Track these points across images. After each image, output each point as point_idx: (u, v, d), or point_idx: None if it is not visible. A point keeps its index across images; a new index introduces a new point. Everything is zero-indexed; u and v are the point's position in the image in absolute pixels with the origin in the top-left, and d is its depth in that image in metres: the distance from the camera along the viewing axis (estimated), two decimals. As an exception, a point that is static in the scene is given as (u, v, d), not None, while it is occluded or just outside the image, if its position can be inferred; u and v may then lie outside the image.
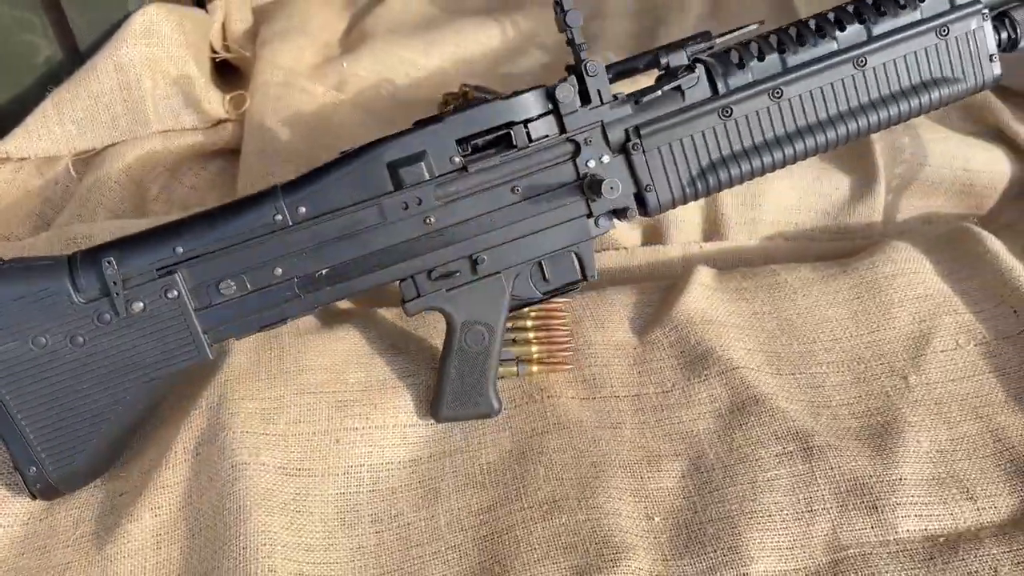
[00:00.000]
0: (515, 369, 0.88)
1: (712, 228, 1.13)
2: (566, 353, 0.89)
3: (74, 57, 1.16)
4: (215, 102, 1.18)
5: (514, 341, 0.89)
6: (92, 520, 0.77)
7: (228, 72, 1.34)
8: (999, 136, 1.18)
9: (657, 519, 0.77)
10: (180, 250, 0.76)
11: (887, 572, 0.72)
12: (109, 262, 0.74)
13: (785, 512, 0.75)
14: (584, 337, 0.92)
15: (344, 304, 0.98)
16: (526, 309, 0.89)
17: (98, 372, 0.75)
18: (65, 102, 1.11)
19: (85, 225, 1.03)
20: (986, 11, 0.84)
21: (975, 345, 0.89)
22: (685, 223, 1.11)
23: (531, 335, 0.90)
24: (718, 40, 0.84)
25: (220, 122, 1.20)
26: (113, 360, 0.75)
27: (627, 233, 1.12)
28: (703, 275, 0.98)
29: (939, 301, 0.93)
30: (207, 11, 1.32)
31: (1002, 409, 0.83)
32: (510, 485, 0.79)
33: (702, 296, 0.95)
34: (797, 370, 0.89)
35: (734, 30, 0.85)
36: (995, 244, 0.97)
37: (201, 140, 1.17)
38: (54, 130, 1.12)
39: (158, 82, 1.13)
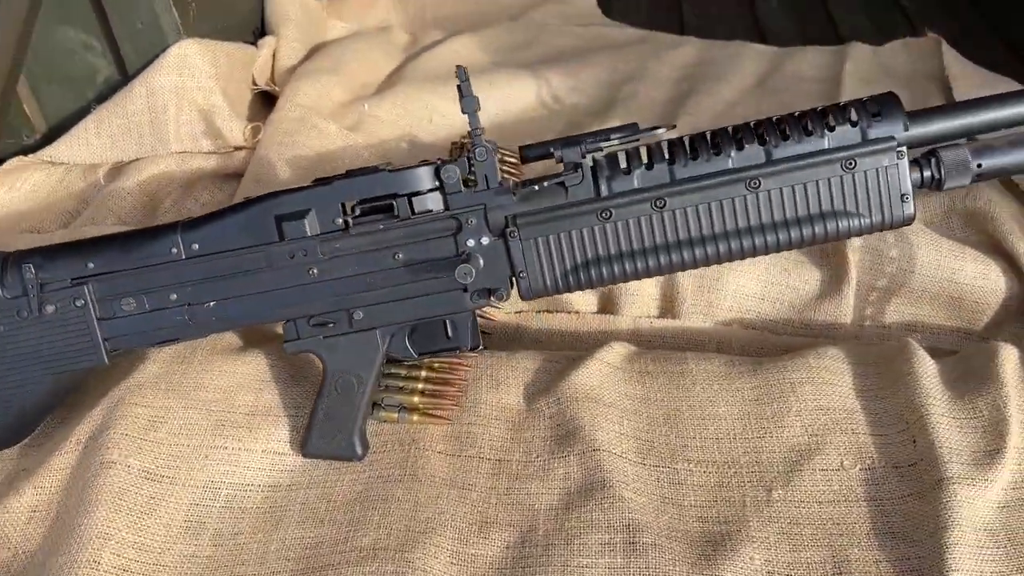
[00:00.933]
0: (395, 415, 0.92)
1: (667, 305, 1.12)
2: (451, 408, 0.93)
3: (126, 78, 1.33)
4: (235, 130, 1.30)
5: (400, 388, 0.94)
6: (-8, 487, 0.89)
7: (271, 103, 1.47)
8: (997, 249, 1.10)
9: (465, 584, 0.79)
10: (91, 266, 0.87)
11: None
12: (29, 267, 0.86)
13: (585, 603, 0.76)
14: (476, 394, 0.95)
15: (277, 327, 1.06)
16: (427, 360, 0.94)
17: (12, 358, 0.87)
18: (104, 118, 1.27)
19: (94, 228, 1.18)
20: (902, 149, 0.80)
21: (860, 469, 0.85)
22: (639, 296, 1.12)
23: (420, 386, 0.94)
24: (642, 136, 0.85)
25: (239, 148, 1.32)
26: (25, 350, 0.87)
27: (582, 298, 1.13)
28: (611, 352, 0.99)
29: (839, 417, 0.89)
30: (256, 46, 1.46)
31: (859, 542, 0.79)
32: (343, 526, 0.84)
33: (598, 373, 0.95)
34: (663, 463, 0.88)
35: (652, 128, 0.85)
36: (924, 366, 0.91)
37: (216, 164, 1.30)
38: (92, 142, 1.28)
39: (183, 108, 1.27)
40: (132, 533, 0.82)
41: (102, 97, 1.33)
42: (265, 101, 1.45)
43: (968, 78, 1.40)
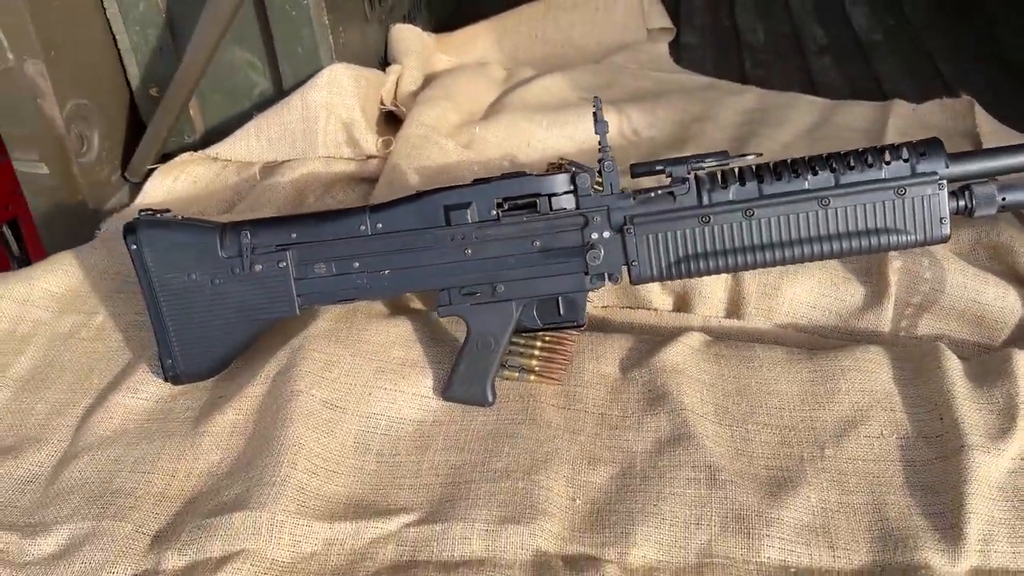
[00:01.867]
0: (517, 374, 1.14)
1: (733, 307, 1.33)
2: (560, 372, 1.15)
3: (279, 93, 1.58)
4: (370, 142, 1.54)
5: (521, 354, 1.16)
6: (196, 408, 1.12)
7: (394, 120, 1.71)
8: (1016, 276, 1.30)
9: (579, 502, 1.00)
10: (294, 236, 1.10)
11: (740, 582, 0.91)
12: (246, 234, 1.09)
13: (676, 519, 0.96)
14: (580, 363, 1.17)
15: (413, 302, 1.28)
16: (540, 332, 1.16)
17: (223, 306, 1.10)
18: (264, 124, 1.52)
19: (251, 213, 1.42)
20: (943, 182, 1.02)
21: (896, 438, 1.05)
22: (710, 299, 1.32)
23: (536, 352, 1.16)
24: (732, 160, 1.08)
25: (371, 157, 1.56)
26: (235, 300, 1.10)
27: (660, 298, 1.35)
28: (692, 338, 1.20)
29: (880, 397, 1.10)
30: (385, 72, 1.71)
31: (894, 491, 0.99)
32: (480, 453, 1.05)
33: (682, 352, 1.17)
34: (736, 424, 1.09)
35: (742, 155, 1.08)
36: (951, 363, 1.12)
37: (354, 168, 1.54)
38: (252, 143, 1.53)
39: (331, 120, 1.51)
40: (318, 446, 1.04)
41: (257, 107, 1.58)
42: (390, 119, 1.69)
43: (997, 135, 1.61)
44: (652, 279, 1.08)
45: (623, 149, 1.71)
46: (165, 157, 1.58)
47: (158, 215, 1.11)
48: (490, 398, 1.10)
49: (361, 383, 1.11)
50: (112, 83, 1.55)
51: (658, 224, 1.06)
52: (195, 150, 1.57)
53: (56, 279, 1.30)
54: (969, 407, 1.06)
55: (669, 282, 1.32)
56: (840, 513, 0.98)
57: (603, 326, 1.34)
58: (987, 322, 1.28)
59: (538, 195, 1.06)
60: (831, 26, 2.27)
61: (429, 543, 0.95)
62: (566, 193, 1.07)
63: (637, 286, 1.30)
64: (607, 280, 1.09)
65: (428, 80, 1.79)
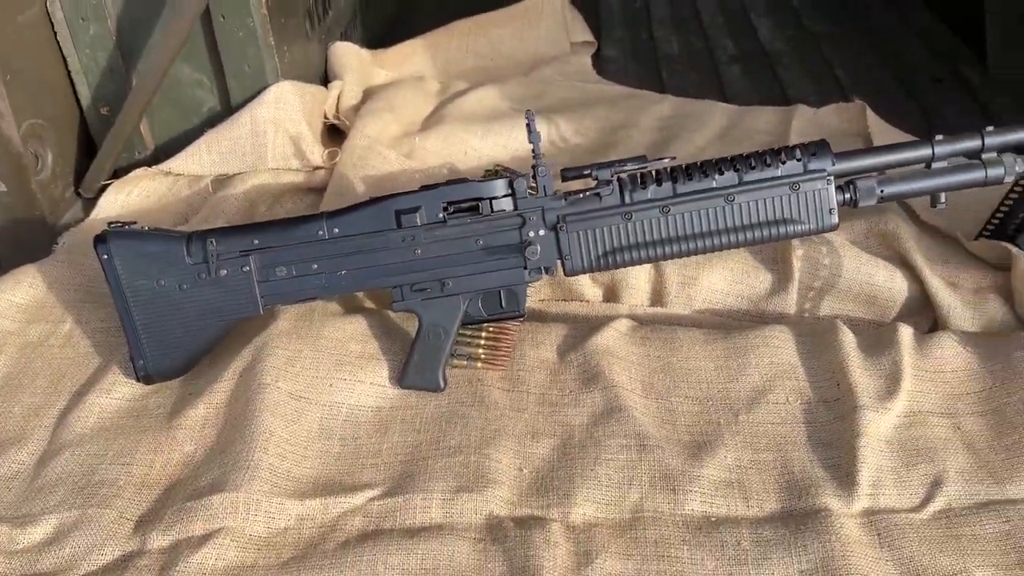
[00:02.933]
0: (466, 362, 1.26)
1: (656, 296, 1.47)
2: (505, 359, 1.27)
3: (227, 109, 1.66)
4: (316, 154, 1.64)
5: (468, 344, 1.27)
6: (169, 405, 1.20)
7: (336, 133, 1.81)
8: (902, 261, 1.47)
9: (525, 471, 1.12)
10: (256, 242, 1.19)
11: (668, 530, 1.04)
12: (211, 241, 1.18)
13: (611, 481, 1.09)
14: (521, 350, 1.29)
15: (366, 302, 1.39)
16: (485, 324, 1.28)
17: (191, 309, 1.19)
18: (214, 140, 1.60)
19: (207, 225, 1.50)
20: (831, 177, 1.17)
21: (800, 403, 1.20)
22: (636, 289, 1.46)
23: (482, 342, 1.28)
24: (650, 164, 1.21)
25: (318, 168, 1.66)
26: (201, 303, 1.19)
27: (590, 290, 1.48)
28: (620, 324, 1.33)
29: (785, 369, 1.25)
30: (327, 88, 1.81)
31: (798, 448, 1.14)
32: (434, 433, 1.16)
33: (612, 336, 1.30)
34: (661, 397, 1.22)
35: (659, 159, 1.21)
36: (847, 337, 1.28)
37: (302, 179, 1.64)
38: (203, 158, 1.61)
39: (278, 134, 1.60)
40: (286, 432, 1.14)
41: (206, 123, 1.66)
42: (332, 132, 1.79)
43: (885, 135, 1.80)
44: (584, 271, 1.21)
45: (553, 155, 1.84)
46: (117, 173, 1.65)
47: (126, 226, 1.19)
48: (442, 384, 1.22)
49: (322, 375, 1.21)
50: (64, 103, 1.61)
51: (587, 222, 1.18)
52: (146, 165, 1.64)
53: (21, 292, 1.36)
54: (861, 374, 1.21)
55: (598, 275, 1.46)
56: (752, 469, 1.12)
57: (541, 317, 1.47)
58: (879, 302, 1.44)
59: (480, 199, 1.18)
60: (739, 38, 2.46)
61: (393, 513, 1.06)
62: (505, 196, 1.19)
63: (570, 280, 1.44)
64: (544, 273, 1.21)
65: (367, 94, 1.89)
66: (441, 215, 1.19)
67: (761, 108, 2.01)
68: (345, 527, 1.05)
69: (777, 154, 1.17)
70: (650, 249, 1.19)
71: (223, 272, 1.18)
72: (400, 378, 1.22)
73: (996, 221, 1.44)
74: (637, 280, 1.45)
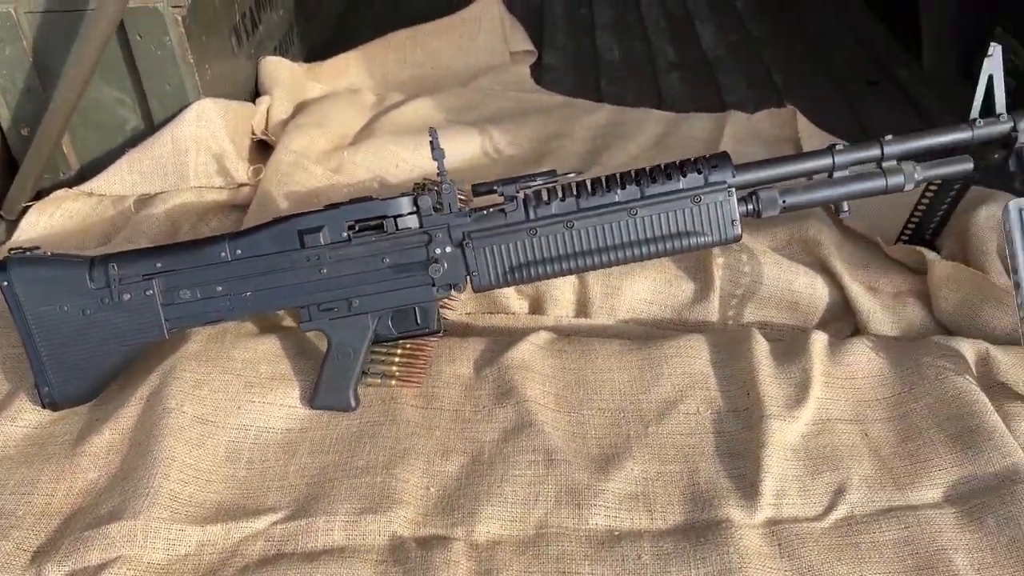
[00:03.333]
0: (379, 380, 1.25)
1: (581, 307, 1.47)
2: (420, 376, 1.26)
3: (150, 128, 1.65)
4: (241, 170, 1.63)
5: (382, 361, 1.27)
6: (75, 431, 1.19)
7: (267, 149, 1.80)
8: (823, 267, 1.48)
9: (432, 489, 1.11)
10: (159, 265, 1.18)
11: (571, 545, 1.04)
12: (113, 266, 1.17)
13: (517, 497, 1.09)
14: (438, 367, 1.29)
15: (285, 320, 1.38)
16: (401, 341, 1.27)
17: (95, 334, 1.17)
18: (135, 159, 1.59)
19: (129, 244, 1.49)
20: (732, 189, 1.17)
21: (710, 413, 1.21)
22: (561, 301, 1.46)
23: (397, 359, 1.27)
24: (560, 178, 1.21)
25: (242, 185, 1.65)
26: (106, 328, 1.18)
27: (517, 302, 1.48)
28: (539, 337, 1.33)
29: (698, 379, 1.25)
30: (255, 103, 1.80)
31: (706, 459, 1.14)
32: (343, 454, 1.16)
33: (528, 350, 1.30)
34: (573, 410, 1.22)
35: (566, 174, 1.21)
36: (760, 345, 1.28)
37: (226, 197, 1.63)
38: (125, 177, 1.60)
39: (200, 152, 1.59)
40: (190, 458, 1.13)
41: (129, 143, 1.65)
42: (262, 148, 1.78)
43: (814, 139, 1.81)
44: (491, 287, 1.21)
45: (487, 167, 1.84)
46: (40, 194, 1.64)
47: (27, 252, 1.18)
48: (353, 403, 1.21)
49: (231, 398, 1.20)
50: (-18, 124, 1.60)
51: (493, 238, 1.18)
52: (70, 186, 1.63)
53: (-70, 318, 1.35)
54: (771, 383, 1.22)
55: (524, 287, 1.46)
56: (659, 481, 1.12)
57: (467, 331, 1.47)
58: (801, 307, 1.45)
59: (385, 217, 1.18)
60: (681, 44, 2.46)
61: (295, 537, 1.05)
62: (410, 214, 1.19)
63: (495, 293, 1.44)
64: (452, 290, 1.21)
65: (300, 108, 1.88)
66: (346, 234, 1.18)
67: (696, 115, 2.02)
68: (246, 552, 1.04)
69: (678, 167, 1.17)
70: (556, 264, 1.19)
71: (126, 296, 1.17)
72: (311, 398, 1.22)
73: (912, 226, 1.46)
74: (562, 292, 1.45)
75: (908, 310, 1.41)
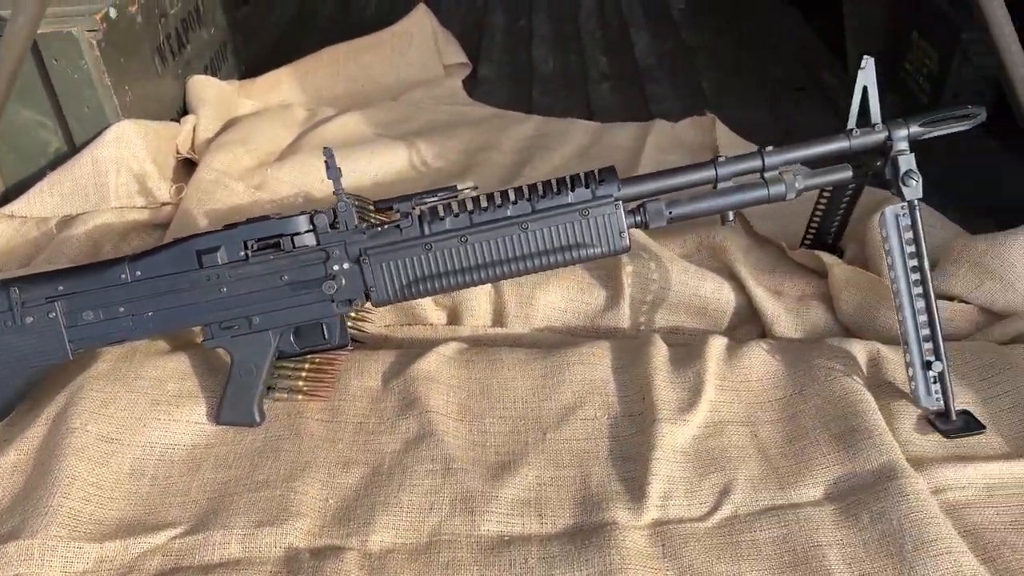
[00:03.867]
0: (286, 396, 1.28)
1: (498, 317, 1.50)
2: (327, 390, 1.29)
3: (72, 150, 1.67)
4: (163, 190, 1.65)
5: (290, 377, 1.29)
6: (-19, 453, 1.21)
7: (192, 167, 1.82)
8: (730, 273, 1.52)
9: (331, 501, 1.14)
10: (61, 288, 1.20)
11: (461, 552, 1.07)
12: (14, 290, 1.19)
13: (413, 506, 1.12)
14: (346, 380, 1.31)
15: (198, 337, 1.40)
16: (309, 355, 1.30)
17: (-1, 357, 1.20)
18: (56, 181, 1.61)
19: (49, 266, 1.51)
20: (619, 202, 1.20)
21: (607, 417, 1.24)
22: (477, 311, 1.49)
23: (304, 374, 1.30)
24: (457, 193, 1.24)
25: (165, 204, 1.67)
26: (9, 351, 1.20)
27: (434, 313, 1.51)
28: (447, 347, 1.36)
29: (598, 385, 1.29)
30: (180, 122, 1.82)
31: (600, 463, 1.18)
32: (245, 469, 1.18)
33: (435, 361, 1.33)
34: (475, 419, 1.25)
35: (464, 189, 1.24)
36: (658, 350, 1.32)
37: (147, 216, 1.65)
38: (46, 200, 1.61)
39: (121, 173, 1.62)
40: (92, 476, 1.15)
41: (52, 164, 1.67)
42: (189, 167, 1.80)
43: (732, 146, 1.85)
44: (390, 301, 1.24)
45: (414, 179, 1.87)
46: (-36, 218, 1.65)
47: (-71, 278, 1.20)
48: (257, 419, 1.24)
49: (137, 416, 1.22)
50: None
51: (389, 254, 1.21)
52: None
53: None
54: (665, 387, 1.26)
55: (441, 298, 1.49)
56: (552, 486, 1.15)
57: (385, 343, 1.49)
58: (709, 312, 1.49)
59: (282, 235, 1.21)
60: (615, 54, 2.51)
61: (192, 551, 1.08)
62: (308, 232, 1.21)
63: (412, 304, 1.47)
64: (350, 305, 1.24)
65: (229, 126, 1.91)
66: (244, 253, 1.21)
67: (622, 124, 2.06)
68: (143, 567, 1.06)
69: (566, 182, 1.21)
70: (452, 277, 1.22)
71: (29, 319, 1.19)
72: (216, 415, 1.24)
73: (813, 230, 1.50)
74: (478, 302, 1.49)
75: (811, 313, 1.46)
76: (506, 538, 1.09)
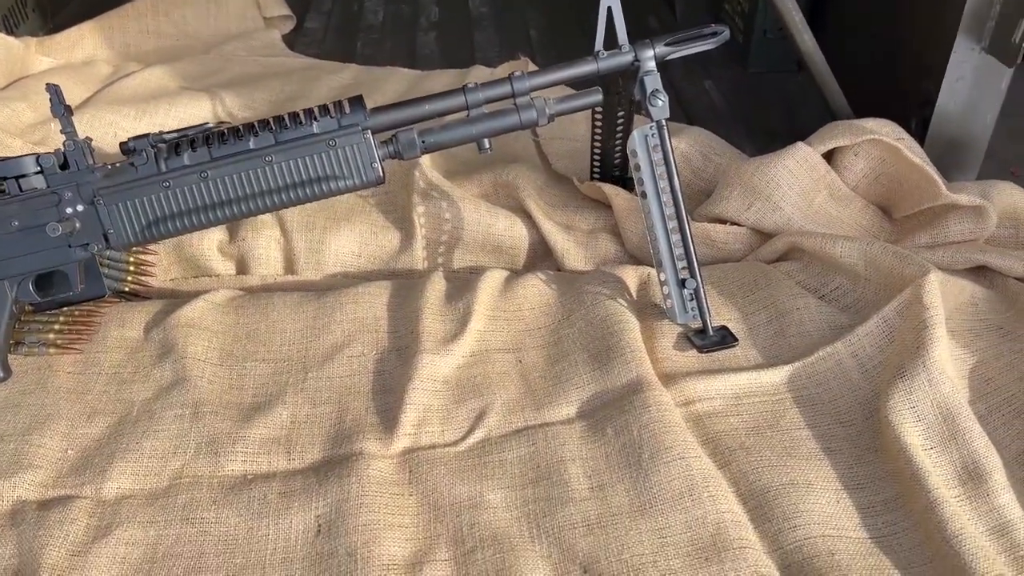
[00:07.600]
0: (36, 350, 1.22)
1: (288, 265, 1.46)
2: (81, 342, 1.23)
3: None
4: (-65, 148, 1.55)
5: (40, 330, 1.23)
6: None
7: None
8: (522, 209, 1.51)
9: (71, 452, 1.09)
10: None
11: (201, 493, 1.03)
12: None
13: (155, 452, 1.07)
14: (106, 330, 1.25)
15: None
16: (67, 308, 1.24)
17: None
18: None
19: None
20: (368, 132, 1.16)
21: (375, 353, 1.21)
22: (266, 260, 1.45)
23: (57, 327, 1.23)
24: (200, 129, 1.19)
25: (-66, 163, 1.57)
26: None
27: (222, 264, 1.45)
28: (216, 295, 1.31)
29: (369, 323, 1.26)
30: (-41, 78, 1.71)
31: (360, 398, 1.15)
32: (-18, 423, 1.12)
33: (200, 308, 1.27)
34: (236, 363, 1.21)
35: (220, 123, 1.19)
36: (435, 286, 1.30)
37: (-89, 176, 1.54)
38: None
39: None
40: None
41: None
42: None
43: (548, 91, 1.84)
44: (130, 244, 1.18)
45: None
46: None
47: None
48: (2, 374, 1.17)
49: None
50: None
51: (125, 193, 1.16)
52: None
53: None
54: (433, 319, 1.24)
55: (227, 248, 1.44)
56: (306, 424, 1.12)
57: (173, 296, 1.44)
58: (505, 249, 1.48)
59: (5, 178, 1.14)
60: (447, 4, 2.47)
61: (-91, 512, 1.01)
62: (36, 174, 1.15)
63: (197, 255, 1.42)
64: (87, 249, 1.18)
65: (14, 84, 1.80)
66: (-32, 198, 1.14)
67: (439, 71, 2.03)
68: None
69: (311, 113, 1.17)
70: (195, 216, 1.17)
71: None
72: (-41, 370, 1.17)
73: (597, 163, 1.50)
74: (267, 250, 1.44)
75: (600, 244, 1.46)
76: (249, 477, 1.06)
